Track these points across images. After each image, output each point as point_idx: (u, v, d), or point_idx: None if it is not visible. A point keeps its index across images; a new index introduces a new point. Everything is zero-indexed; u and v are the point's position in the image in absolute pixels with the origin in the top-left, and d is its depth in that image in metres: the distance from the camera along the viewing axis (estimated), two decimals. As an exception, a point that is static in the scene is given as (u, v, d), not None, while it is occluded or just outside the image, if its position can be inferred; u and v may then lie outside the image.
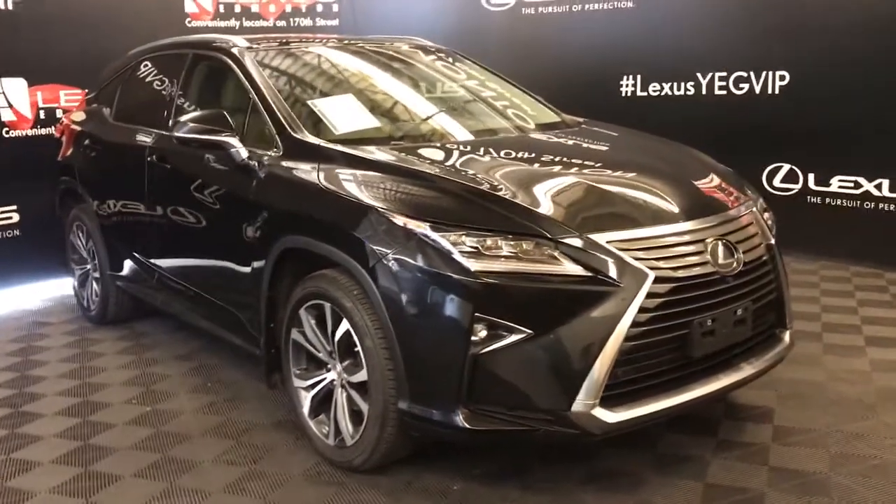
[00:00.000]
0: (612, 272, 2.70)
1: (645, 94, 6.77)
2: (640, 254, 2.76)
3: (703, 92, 6.52)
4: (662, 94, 6.69)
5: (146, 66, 4.67)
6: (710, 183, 3.31)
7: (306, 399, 3.29)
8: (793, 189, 6.27)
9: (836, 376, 3.98)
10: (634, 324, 2.69)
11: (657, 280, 2.73)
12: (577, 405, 2.66)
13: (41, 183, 5.63)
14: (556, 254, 2.72)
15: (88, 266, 5.10)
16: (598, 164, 3.37)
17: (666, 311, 2.76)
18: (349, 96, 3.73)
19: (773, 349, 3.25)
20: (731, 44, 6.36)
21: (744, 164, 6.34)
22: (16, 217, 5.89)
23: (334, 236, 3.03)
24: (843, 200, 6.04)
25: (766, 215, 3.40)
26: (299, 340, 3.28)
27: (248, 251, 3.48)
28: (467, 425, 2.72)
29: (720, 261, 2.90)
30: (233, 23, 6.82)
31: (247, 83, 3.74)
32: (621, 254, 2.72)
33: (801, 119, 6.09)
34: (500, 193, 2.90)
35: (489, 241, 2.73)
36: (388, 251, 2.81)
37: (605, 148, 3.68)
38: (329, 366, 3.19)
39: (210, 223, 3.78)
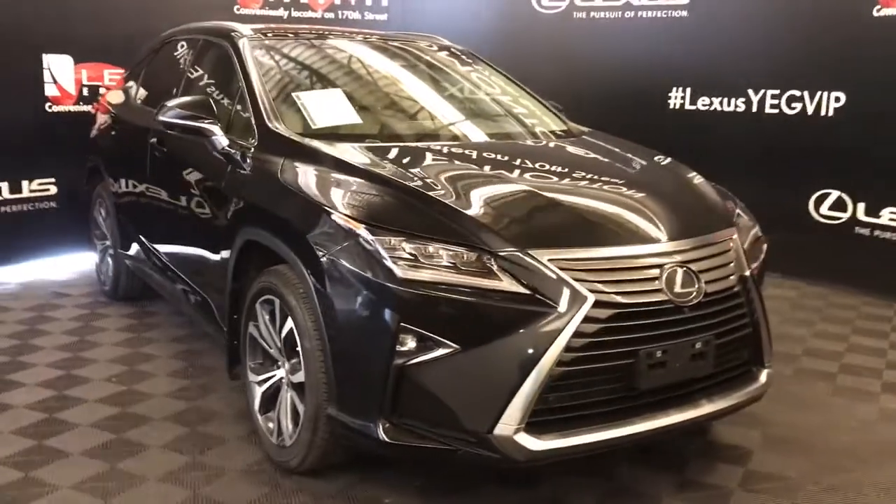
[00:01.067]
0: (549, 292, 2.55)
1: (693, 107, 6.50)
2: (583, 275, 2.60)
3: (754, 109, 6.22)
4: (711, 108, 6.41)
5: (167, 49, 4.72)
6: (686, 206, 3.12)
7: (257, 394, 3.25)
8: (840, 218, 5.92)
9: (835, 422, 3.71)
10: (569, 348, 2.54)
11: (597, 304, 2.57)
12: (500, 428, 2.53)
13: (79, 158, 5.77)
14: (494, 268, 2.59)
15: (107, 242, 5.21)
16: (570, 178, 3.22)
17: (606, 337, 2.60)
18: (337, 91, 3.67)
19: (744, 388, 3.03)
20: (786, 60, 6.05)
21: (790, 188, 6.06)
22: (53, 189, 6.06)
23: (283, 231, 2.98)
24: (894, 234, 5.65)
25: (750, 244, 3.18)
26: (255, 335, 3.24)
27: (219, 240, 3.46)
28: (386, 438, 2.62)
29: (676, 289, 2.70)
30: (281, 12, 6.86)
31: (239, 72, 3.73)
32: (562, 273, 2.57)
33: (855, 144, 5.74)
34: (447, 201, 2.79)
35: (431, 249, 2.62)
36: (327, 251, 2.74)
37: (587, 162, 3.50)
38: (279, 363, 3.14)
39: (192, 209, 3.79)
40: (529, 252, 2.60)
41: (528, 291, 2.56)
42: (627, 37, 6.70)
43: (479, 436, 2.55)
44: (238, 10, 6.72)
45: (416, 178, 2.94)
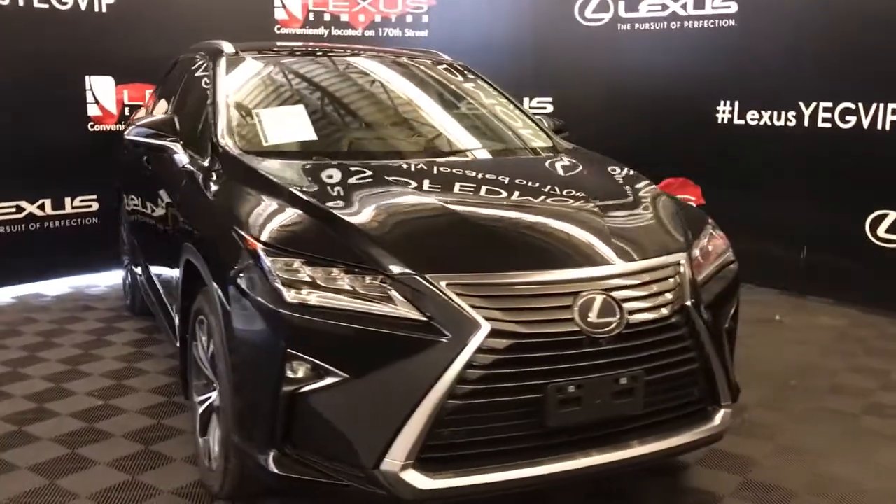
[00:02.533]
0: (443, 320, 2.38)
1: (742, 122, 6.12)
2: (482, 302, 2.41)
3: (806, 123, 5.80)
4: (761, 122, 6.03)
5: (177, 68, 4.80)
6: (625, 231, 2.86)
7: (197, 416, 3.20)
8: (899, 241, 5.43)
9: (828, 472, 3.34)
10: (463, 381, 2.36)
11: (494, 334, 2.38)
12: (387, 464, 2.38)
13: (119, 176, 5.95)
14: (391, 292, 2.44)
15: (127, 258, 5.34)
16: (508, 199, 3.04)
17: (507, 370, 2.40)
18: (299, 108, 3.61)
19: (692, 428, 2.75)
20: (839, 71, 5.61)
21: (844, 209, 5.59)
22: (95, 206, 6.28)
23: (203, 248, 2.92)
24: (958, 260, 5.13)
25: (714, 271, 2.90)
26: (196, 355, 3.20)
27: (175, 258, 3.45)
28: (276, 469, 2.51)
29: (592, 319, 2.47)
30: (321, 31, 6.90)
31: (210, 89, 3.72)
32: (458, 300, 2.40)
33: (916, 161, 5.26)
34: (356, 222, 2.66)
35: (331, 272, 2.50)
36: (230, 270, 2.66)
37: (539, 182, 3.25)
38: (215, 385, 3.08)
39: (161, 226, 3.81)
40: (427, 276, 2.44)
41: (423, 318, 2.40)
42: (673, 49, 6.39)
43: (366, 471, 2.40)
44: (279, 29, 6.80)
45: (334, 199, 2.83)
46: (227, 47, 4.02)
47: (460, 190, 3.05)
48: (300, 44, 4.37)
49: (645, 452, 2.63)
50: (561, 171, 3.43)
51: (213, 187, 3.11)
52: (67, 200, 6.15)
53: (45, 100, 5.87)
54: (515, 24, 6.89)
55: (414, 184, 3.03)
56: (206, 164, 3.34)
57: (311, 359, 2.42)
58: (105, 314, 5.42)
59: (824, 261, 5.83)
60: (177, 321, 3.41)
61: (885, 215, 5.48)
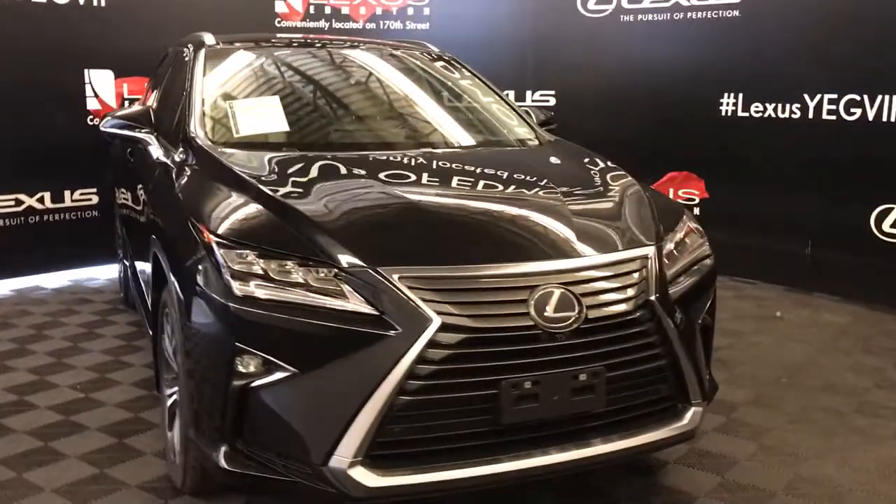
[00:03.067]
0: (394, 313, 2.33)
1: (746, 114, 6.00)
2: (433, 295, 2.35)
3: (810, 115, 5.67)
4: (765, 115, 5.90)
5: (166, 60, 4.78)
6: (588, 224, 2.78)
7: (165, 409, 3.17)
8: (904, 236, 5.28)
9: (813, 471, 3.24)
10: (413, 376, 2.31)
11: (445, 328, 2.32)
12: (335, 461, 2.33)
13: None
14: (343, 286, 2.39)
15: (121, 251, 5.34)
16: (470, 191, 2.98)
17: (459, 365, 2.34)
18: (275, 99, 3.56)
19: (659, 427, 2.68)
20: (845, 62, 5.47)
21: (849, 203, 5.46)
22: (95, 199, 6.29)
23: (165, 241, 2.89)
24: (964, 255, 4.99)
25: (687, 265, 2.82)
26: (164, 347, 3.17)
27: (147, 250, 3.42)
28: (226, 465, 2.47)
29: (549, 313, 2.40)
30: (322, 24, 6.86)
31: (188, 80, 3.69)
32: (409, 293, 2.34)
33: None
34: (312, 214, 2.61)
35: (284, 265, 2.45)
36: (187, 263, 2.62)
37: (507, 173, 3.17)
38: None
39: (140, 218, 3.78)
40: (379, 269, 2.38)
41: (374, 312, 2.35)
42: (676, 40, 6.28)
43: (314, 468, 2.35)
44: (279, 22, 6.77)
45: (294, 191, 2.79)
46: (209, 39, 3.98)
47: (426, 181, 3.00)
48: (286, 35, 4.32)
49: (609, 451, 2.56)
50: (533, 164, 3.35)
51: (181, 179, 3.08)
52: (67, 194, 6.17)
53: (44, 93, 5.88)
54: (517, 16, 6.80)
55: (378, 175, 2.97)
56: (176, 156, 3.31)
57: (259, 353, 2.38)
58: (100, 307, 5.43)
59: (829, 256, 5.70)
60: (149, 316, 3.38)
61: (891, 209, 5.35)
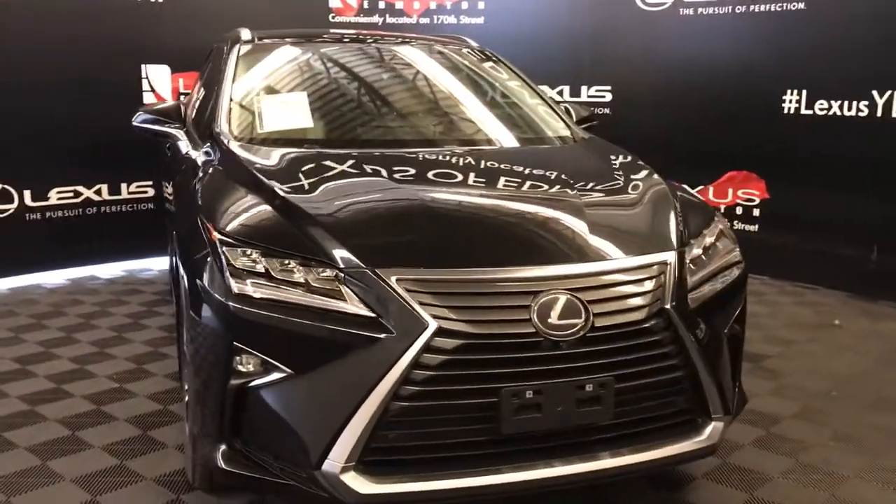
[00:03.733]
0: (390, 316, 2.26)
1: (810, 112, 5.73)
2: (431, 299, 2.28)
3: (879, 113, 5.38)
4: (830, 113, 5.62)
5: (210, 55, 4.81)
6: (604, 227, 2.66)
7: (185, 403, 3.18)
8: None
9: (839, 494, 3.05)
10: (409, 381, 2.24)
11: (442, 333, 2.24)
12: (328, 465, 2.28)
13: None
14: (342, 287, 2.34)
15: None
16: (481, 191, 2.89)
17: (455, 371, 2.26)
18: (302, 95, 3.54)
19: (676, 441, 2.55)
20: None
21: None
22: (150, 192, 6.42)
23: (180, 236, 2.89)
24: None
25: (712, 272, 2.68)
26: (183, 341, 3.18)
27: (172, 245, 3.45)
28: (224, 465, 2.45)
29: (552, 320, 2.30)
30: (376, 19, 6.85)
31: (219, 76, 3.70)
32: (406, 296, 2.28)
33: None
34: (318, 214, 2.56)
35: (291, 265, 2.42)
36: (193, 259, 2.61)
37: (527, 173, 3.07)
38: (198, 373, 3.06)
39: (172, 213, 3.82)
40: (377, 271, 2.32)
41: (370, 314, 2.29)
42: (738, 34, 6.04)
43: (308, 472, 2.31)
44: (333, 18, 6.78)
45: (303, 189, 2.74)
46: (245, 34, 3.99)
47: (441, 180, 2.91)
48: (324, 31, 4.29)
49: (618, 465, 2.44)
50: (557, 163, 3.23)
51: (201, 176, 3.08)
52: (123, 186, 6.31)
53: (102, 88, 6.01)
54: (573, 9, 6.65)
55: (394, 174, 2.90)
56: (202, 152, 3.31)
57: (256, 353, 2.35)
58: (149, 298, 5.53)
59: (896, 264, 5.41)
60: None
61: (964, 215, 5.02)
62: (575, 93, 6.71)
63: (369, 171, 2.94)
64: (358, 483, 2.27)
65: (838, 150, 5.61)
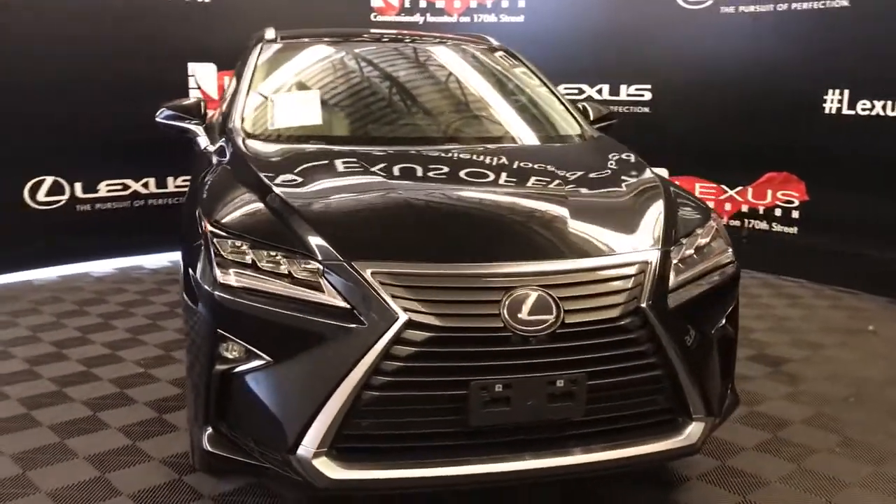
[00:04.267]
0: (363, 308, 2.34)
1: (852, 112, 5.59)
2: (402, 292, 2.34)
3: (924, 114, 5.21)
4: (873, 113, 5.49)
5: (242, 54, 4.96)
6: (591, 224, 2.69)
7: (193, 387, 3.31)
8: None
9: (836, 502, 3.00)
10: (380, 371, 2.31)
11: (412, 325, 2.30)
12: (302, 450, 2.36)
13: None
14: (320, 279, 2.42)
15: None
16: (469, 188, 2.92)
17: (425, 363, 2.32)
18: (314, 93, 3.64)
19: (654, 440, 2.56)
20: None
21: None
22: (194, 185, 6.62)
23: (182, 229, 3.02)
24: None
25: (701, 272, 2.68)
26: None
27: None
28: (209, 447, 2.56)
29: (523, 316, 2.34)
30: (417, 18, 6.93)
31: (241, 73, 3.83)
32: (380, 289, 2.34)
33: None
34: (300, 207, 2.64)
35: (276, 257, 2.51)
36: (189, 250, 2.74)
37: (520, 170, 3.12)
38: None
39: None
40: (353, 264, 2.40)
41: (345, 306, 2.37)
42: (779, 32, 5.92)
43: (283, 456, 2.40)
44: (375, 17, 6.89)
45: (296, 184, 2.84)
46: (269, 33, 4.11)
47: (433, 177, 2.98)
48: (349, 30, 4.38)
49: (590, 461, 2.47)
50: (554, 161, 3.25)
51: (210, 170, 3.20)
52: (170, 180, 6.53)
53: (150, 86, 6.21)
54: (613, 7, 6.61)
55: (387, 171, 2.98)
56: (216, 147, 3.44)
57: (238, 340, 2.45)
58: (165, 291, 5.70)
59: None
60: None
61: None
62: (614, 91, 6.68)
63: (364, 168, 3.02)
64: (328, 468, 2.35)
65: (881, 152, 5.46)
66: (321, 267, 2.43)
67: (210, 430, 2.57)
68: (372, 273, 2.37)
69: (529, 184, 2.98)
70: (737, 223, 6.31)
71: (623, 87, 6.67)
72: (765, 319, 5.14)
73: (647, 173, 3.16)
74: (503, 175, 3.04)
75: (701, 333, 2.64)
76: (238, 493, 2.97)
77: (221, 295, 2.47)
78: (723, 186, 6.35)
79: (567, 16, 6.75)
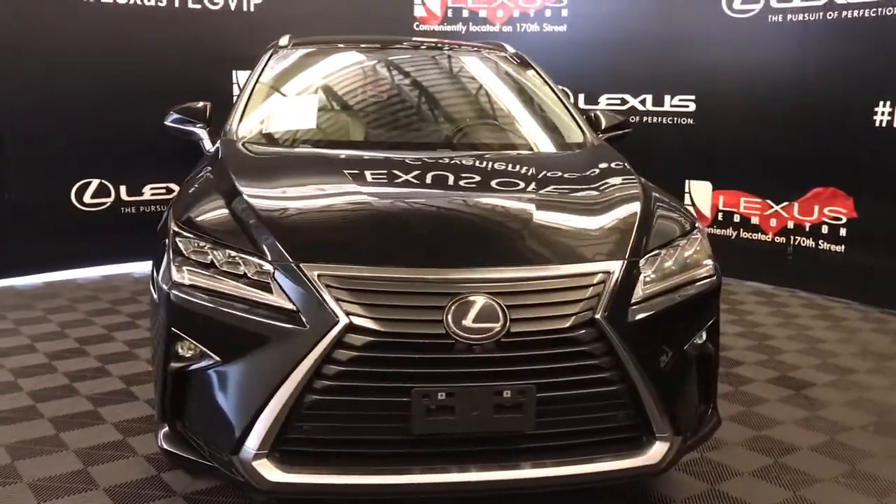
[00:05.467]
0: (307, 310, 2.32)
1: (903, 125, 5.31)
2: (346, 295, 2.31)
3: (980, 127, 4.91)
4: (926, 126, 5.19)
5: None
6: (553, 233, 2.65)
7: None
8: None
9: None
10: (322, 375, 2.29)
11: (352, 329, 2.27)
12: (244, 452, 2.36)
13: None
14: (270, 281, 2.42)
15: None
16: (436, 195, 2.92)
17: (365, 368, 2.29)
18: (312, 98, 3.66)
19: (614, 458, 2.46)
20: None
21: None
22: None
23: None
24: None
25: (675, 285, 2.59)
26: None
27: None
28: (164, 445, 2.59)
29: (467, 323, 2.28)
30: (459, 27, 6.92)
31: (248, 80, 3.89)
32: (323, 291, 2.33)
33: None
34: (260, 209, 2.65)
35: (233, 258, 2.53)
36: (156, 250, 2.78)
37: (495, 177, 3.07)
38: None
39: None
40: (301, 265, 2.39)
41: (292, 307, 2.36)
42: (828, 42, 5.68)
43: (227, 457, 2.40)
44: (417, 26, 6.91)
45: (264, 186, 2.86)
46: (283, 40, 4.16)
47: (403, 183, 2.96)
48: (364, 37, 4.40)
49: (538, 476, 2.39)
50: (534, 169, 3.17)
51: (197, 173, 3.25)
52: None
53: (195, 92, 6.34)
54: (657, 16, 6.45)
55: (358, 177, 2.96)
56: (211, 150, 3.49)
57: (189, 339, 2.46)
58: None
59: None
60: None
61: None
62: (658, 102, 6.52)
63: (338, 173, 3.01)
64: (269, 471, 2.34)
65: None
66: (272, 268, 2.42)
67: (166, 427, 2.59)
68: (318, 275, 2.36)
69: (496, 191, 2.92)
70: (782, 240, 6.06)
71: (667, 98, 6.51)
72: (797, 341, 4.91)
73: (632, 183, 3.05)
74: (475, 183, 2.99)
75: (670, 349, 2.53)
76: (210, 493, 2.98)
77: (175, 293, 2.49)
78: (768, 202, 6.11)
79: (611, 25, 6.63)
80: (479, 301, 2.31)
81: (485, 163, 3.22)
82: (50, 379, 4.08)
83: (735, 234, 6.31)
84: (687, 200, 6.51)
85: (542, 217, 2.68)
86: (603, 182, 3.05)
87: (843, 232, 5.73)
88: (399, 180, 2.98)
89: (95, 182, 6.19)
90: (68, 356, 4.42)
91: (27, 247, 5.91)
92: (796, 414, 3.82)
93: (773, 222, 6.11)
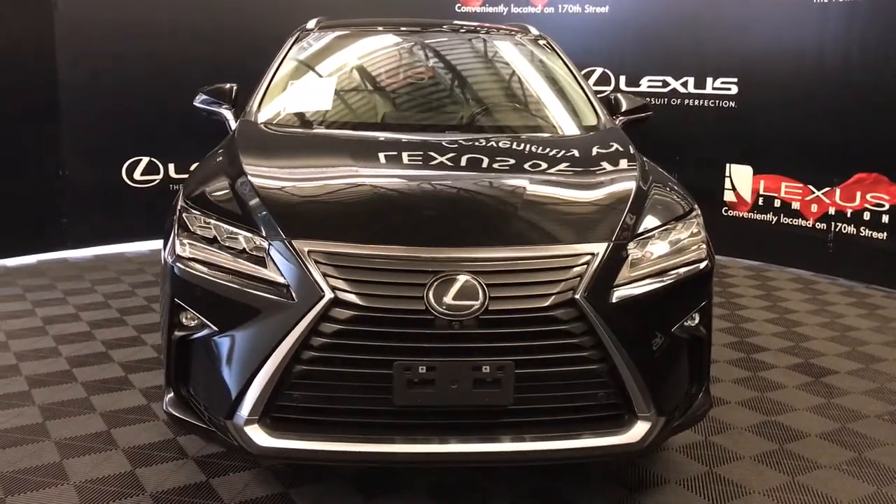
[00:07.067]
0: (296, 284, 2.43)
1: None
2: (332, 271, 2.42)
3: None
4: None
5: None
6: (540, 214, 2.69)
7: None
8: None
9: None
10: (309, 346, 2.40)
11: (337, 303, 2.38)
12: (237, 417, 2.49)
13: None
14: (267, 255, 2.54)
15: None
16: (433, 175, 2.96)
17: (349, 341, 2.39)
18: (330, 80, 3.76)
19: (594, 435, 2.51)
20: None
21: None
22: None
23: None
24: None
25: (664, 267, 2.63)
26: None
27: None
28: (169, 409, 2.73)
29: (447, 300, 2.36)
30: (501, 9, 6.94)
31: (273, 62, 4.01)
32: (312, 267, 2.43)
33: None
34: (261, 187, 2.76)
35: (237, 233, 2.65)
36: (166, 225, 2.92)
37: (495, 159, 3.11)
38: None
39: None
40: (293, 241, 2.49)
41: (283, 281, 2.47)
42: (875, 22, 5.53)
43: (223, 421, 2.53)
44: (459, 8, 6.95)
45: (269, 166, 2.97)
46: (311, 23, 4.27)
47: (402, 164, 3.04)
48: (391, 19, 4.46)
49: (518, 450, 2.46)
50: (530, 151, 3.22)
51: (216, 153, 3.38)
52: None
53: (241, 73, 6.55)
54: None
55: (362, 157, 3.06)
56: (233, 130, 3.63)
57: (189, 309, 2.60)
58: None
59: None
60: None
61: None
62: (700, 84, 6.43)
63: (342, 154, 3.12)
64: (259, 436, 2.46)
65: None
66: (267, 244, 2.53)
67: (171, 393, 2.74)
68: (309, 251, 2.46)
69: (490, 173, 2.97)
70: (823, 226, 5.95)
71: (709, 80, 6.42)
72: (828, 328, 4.84)
73: (630, 165, 3.07)
74: (471, 163, 3.04)
75: (656, 330, 2.57)
76: (220, 457, 3.14)
77: (178, 266, 2.63)
78: (809, 187, 6.00)
79: (653, 6, 6.56)
80: (461, 279, 2.38)
81: (487, 145, 3.28)
82: (88, 346, 4.30)
83: (776, 219, 6.22)
84: (727, 184, 6.43)
85: (532, 198, 2.74)
86: (600, 165, 3.08)
87: (885, 219, 5.60)
88: (398, 162, 3.06)
89: (145, 160, 6.43)
90: (109, 325, 4.64)
91: (80, 221, 6.19)
92: (812, 401, 3.79)
93: (814, 208, 6.00)
